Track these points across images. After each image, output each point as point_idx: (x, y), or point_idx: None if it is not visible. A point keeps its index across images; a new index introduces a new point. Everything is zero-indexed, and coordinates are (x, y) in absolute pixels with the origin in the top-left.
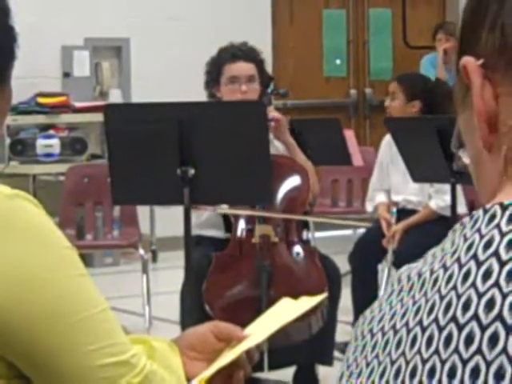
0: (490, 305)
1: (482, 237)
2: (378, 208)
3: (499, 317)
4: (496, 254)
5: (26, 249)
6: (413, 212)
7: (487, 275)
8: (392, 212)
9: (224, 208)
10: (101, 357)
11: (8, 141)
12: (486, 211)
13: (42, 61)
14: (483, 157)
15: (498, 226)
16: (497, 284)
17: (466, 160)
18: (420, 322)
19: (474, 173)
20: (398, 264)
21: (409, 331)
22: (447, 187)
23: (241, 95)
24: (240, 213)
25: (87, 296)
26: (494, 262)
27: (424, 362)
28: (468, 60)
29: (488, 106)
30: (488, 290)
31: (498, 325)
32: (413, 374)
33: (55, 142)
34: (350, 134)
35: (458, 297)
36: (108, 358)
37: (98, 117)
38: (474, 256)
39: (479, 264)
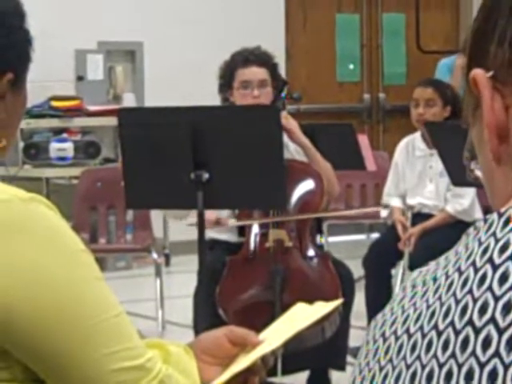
0: (507, 308)
1: (497, 240)
2: (393, 212)
3: None
4: None
5: (42, 252)
6: (428, 216)
7: (504, 278)
8: (407, 216)
9: (233, 221)
10: (116, 361)
11: (21, 144)
12: (500, 215)
13: (56, 64)
14: (494, 169)
15: None
16: None
17: (478, 172)
18: (435, 326)
19: (486, 185)
20: (413, 267)
21: (424, 335)
22: (464, 191)
23: (252, 100)
24: (250, 223)
25: (103, 299)
26: (510, 265)
27: (441, 365)
28: (477, 72)
29: (498, 117)
30: (505, 293)
31: None
32: (429, 378)
33: (69, 145)
34: (363, 139)
35: (475, 300)
36: (123, 362)
37: (112, 121)
38: (490, 260)
39: (495, 267)
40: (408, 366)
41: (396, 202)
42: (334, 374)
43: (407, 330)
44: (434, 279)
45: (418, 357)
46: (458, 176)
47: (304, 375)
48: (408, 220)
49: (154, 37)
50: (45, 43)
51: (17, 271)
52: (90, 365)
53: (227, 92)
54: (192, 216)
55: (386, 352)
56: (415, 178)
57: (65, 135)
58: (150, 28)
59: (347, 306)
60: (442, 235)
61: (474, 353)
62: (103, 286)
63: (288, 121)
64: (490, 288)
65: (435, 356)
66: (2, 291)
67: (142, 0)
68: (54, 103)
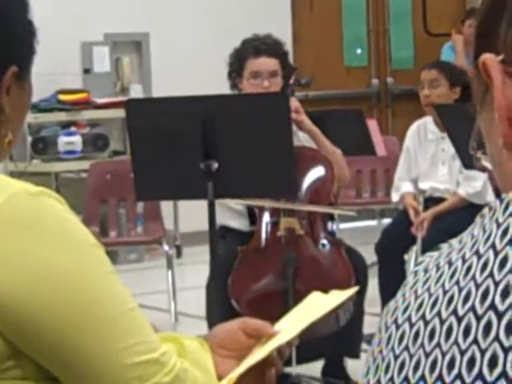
0: None
1: None
2: (405, 197)
3: None
4: None
5: (53, 247)
6: (440, 200)
7: None
8: (419, 201)
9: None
10: (130, 355)
11: (29, 139)
12: None
13: (62, 57)
14: (505, 156)
15: None
16: None
17: (485, 162)
18: (454, 312)
19: (496, 173)
20: (426, 252)
21: (442, 322)
22: (476, 174)
23: (262, 90)
24: (262, 204)
25: (116, 294)
26: None
27: (462, 352)
28: (487, 56)
29: (509, 101)
30: None
31: None
32: (451, 366)
33: (77, 139)
34: (372, 124)
35: (496, 284)
36: (138, 357)
37: (120, 112)
38: (511, 241)
39: None
40: (427, 354)
41: (407, 187)
42: (350, 363)
43: (423, 317)
44: (450, 263)
45: (438, 344)
46: (470, 159)
47: (319, 365)
48: (420, 204)
49: (160, 27)
50: (51, 36)
51: (27, 267)
52: (105, 360)
53: (236, 79)
54: None
55: (401, 340)
56: (428, 162)
57: (73, 128)
58: (155, 18)
59: (361, 293)
60: (455, 219)
61: (497, 338)
62: (116, 279)
63: (297, 113)
64: None
65: (456, 342)
66: (11, 288)
67: None
68: (62, 97)
